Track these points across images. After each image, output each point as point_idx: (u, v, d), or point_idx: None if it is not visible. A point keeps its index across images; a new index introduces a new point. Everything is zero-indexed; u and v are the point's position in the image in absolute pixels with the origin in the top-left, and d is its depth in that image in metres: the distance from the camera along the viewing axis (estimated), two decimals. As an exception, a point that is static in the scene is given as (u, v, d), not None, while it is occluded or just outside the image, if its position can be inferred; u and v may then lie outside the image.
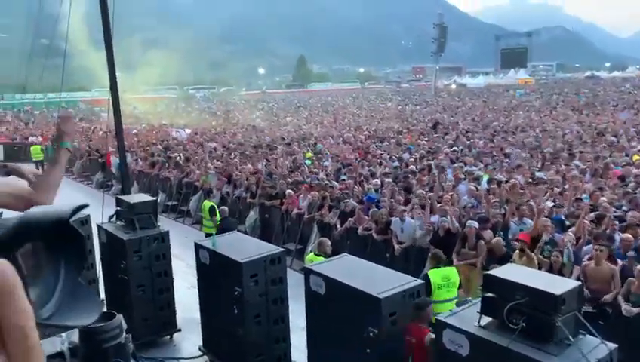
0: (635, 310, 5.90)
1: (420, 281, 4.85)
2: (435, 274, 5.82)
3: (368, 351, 4.48)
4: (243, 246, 6.01)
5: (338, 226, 9.51)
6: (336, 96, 64.28)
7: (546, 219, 7.85)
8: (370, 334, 4.44)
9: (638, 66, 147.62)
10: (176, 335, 7.18)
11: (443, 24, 60.66)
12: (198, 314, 6.51)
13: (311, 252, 7.85)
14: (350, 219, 9.37)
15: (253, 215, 11.56)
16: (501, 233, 7.83)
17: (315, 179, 12.01)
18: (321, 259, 6.14)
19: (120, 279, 6.64)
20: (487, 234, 7.87)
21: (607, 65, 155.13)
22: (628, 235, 6.96)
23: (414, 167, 13.18)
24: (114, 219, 7.14)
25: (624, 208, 8.60)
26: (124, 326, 3.06)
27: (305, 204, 10.55)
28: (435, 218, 8.56)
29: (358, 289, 4.62)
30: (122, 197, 7.53)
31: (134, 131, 26.38)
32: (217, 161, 15.75)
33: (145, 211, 6.86)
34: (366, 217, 9.28)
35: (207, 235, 9.28)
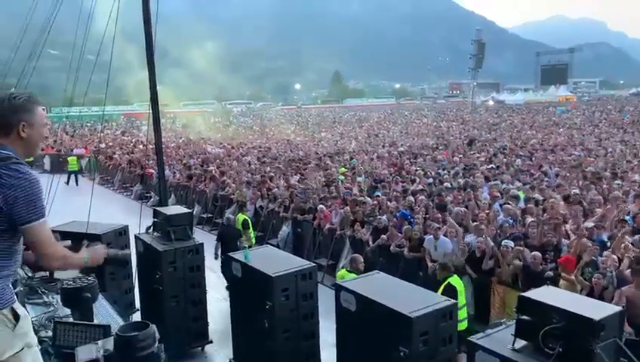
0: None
1: (453, 301, 4.76)
2: (454, 281, 6.30)
3: (398, 370, 4.40)
4: (275, 261, 6.04)
5: (370, 243, 9.45)
6: (371, 112, 64.27)
7: (587, 240, 7.60)
8: (402, 354, 4.38)
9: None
10: (207, 347, 7.25)
11: (481, 40, 60.19)
12: (229, 327, 6.56)
13: (343, 268, 7.83)
14: (383, 236, 9.29)
15: (285, 229, 11.63)
16: (551, 253, 7.59)
17: (349, 194, 12.00)
18: (353, 275, 6.12)
19: (155, 289, 6.78)
20: (526, 253, 7.65)
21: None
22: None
23: (449, 184, 13.02)
24: (151, 230, 7.31)
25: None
26: (157, 336, 3.12)
27: (337, 219, 10.55)
28: (470, 237, 8.40)
29: (390, 307, 4.56)
30: (159, 208, 7.71)
31: (172, 144, 27.06)
32: (252, 174, 15.97)
33: (181, 223, 6.99)
34: (399, 234, 9.19)
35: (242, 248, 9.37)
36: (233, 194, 13.85)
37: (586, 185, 12.24)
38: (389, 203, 10.97)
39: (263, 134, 35.86)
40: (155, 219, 7.31)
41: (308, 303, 5.75)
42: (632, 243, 7.38)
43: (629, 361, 3.40)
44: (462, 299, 6.26)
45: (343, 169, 16.59)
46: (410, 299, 4.67)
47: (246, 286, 6.04)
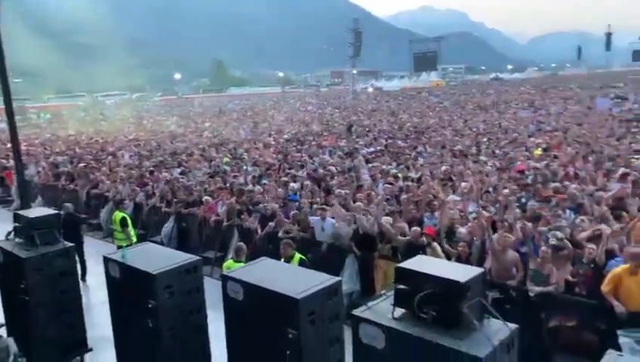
0: (538, 289, 6.35)
1: (337, 279, 4.88)
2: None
3: (288, 352, 4.43)
4: (156, 257, 5.74)
5: (259, 231, 9.41)
6: (257, 100, 63.88)
7: (455, 211, 8.28)
8: (290, 336, 4.40)
9: (535, 68, 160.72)
10: (87, 356, 6.73)
11: (358, 29, 62.31)
12: (111, 332, 6.14)
13: (229, 259, 7.69)
14: (270, 223, 9.29)
15: (169, 224, 11.15)
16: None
17: (235, 183, 11.81)
18: (240, 264, 6.03)
19: (21, 300, 6.11)
20: (405, 228, 8.12)
21: (509, 67, 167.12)
22: (526, 223, 7.48)
23: (334, 168, 13.40)
24: (12, 236, 6.56)
25: (523, 199, 9.22)
26: (15, 349, 2.79)
27: (223, 210, 10.34)
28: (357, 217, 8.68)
29: (276, 291, 4.56)
30: (20, 212, 6.94)
31: (37, 141, 24.57)
32: (131, 169, 15.05)
33: (46, 226, 6.36)
34: (286, 220, 9.25)
35: (121, 248, 8.82)
36: (108, 192, 12.94)
37: (454, 161, 13.30)
38: (275, 190, 11.00)
39: (141, 127, 33.87)
40: (17, 224, 6.57)
41: (194, 298, 5.56)
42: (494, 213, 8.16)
43: (491, 316, 3.72)
44: None
45: (228, 158, 16.29)
46: (295, 281, 4.70)
47: (126, 287, 5.68)
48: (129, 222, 9.56)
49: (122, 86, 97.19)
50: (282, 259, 6.73)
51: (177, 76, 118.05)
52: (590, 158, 12.45)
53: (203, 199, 10.89)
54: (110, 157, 17.95)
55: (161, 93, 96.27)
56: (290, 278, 4.92)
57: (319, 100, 60.34)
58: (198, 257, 5.98)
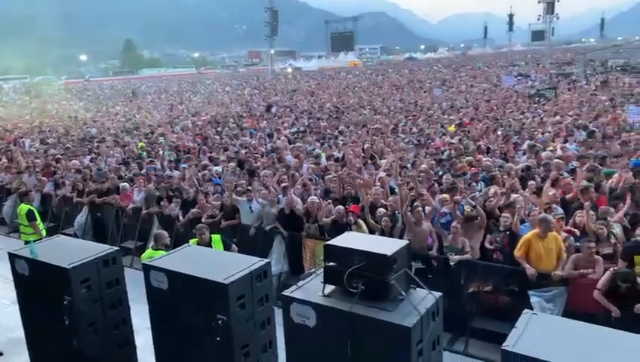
0: (457, 257, 6.69)
1: (266, 261, 4.83)
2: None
3: (218, 338, 4.34)
4: (69, 251, 5.36)
5: (180, 217, 9.09)
6: (171, 82, 61.37)
7: (378, 187, 8.49)
8: (220, 321, 4.31)
9: (446, 48, 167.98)
10: (-2, 361, 6.21)
11: (274, 8, 61.38)
12: (22, 334, 5.68)
13: (149, 248, 7.37)
14: (193, 209, 9.00)
15: (82, 215, 10.47)
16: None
17: (152, 169, 11.30)
18: (160, 253, 5.79)
19: None
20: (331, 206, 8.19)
21: (422, 47, 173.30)
22: (445, 196, 7.84)
23: (257, 150, 13.22)
24: None
25: (440, 173, 9.63)
26: None
27: (140, 197, 9.86)
28: (282, 198, 8.64)
29: (203, 278, 4.43)
30: None
31: None
32: (36, 158, 13.90)
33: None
34: (209, 204, 9.00)
35: (28, 243, 8.15)
36: (10, 184, 11.90)
37: (374, 139, 13.59)
38: (196, 174, 10.65)
39: (44, 112, 31.32)
40: None
41: (114, 290, 5.28)
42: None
43: (417, 286, 3.85)
44: None
45: (143, 144, 15.54)
46: (222, 267, 4.59)
47: (37, 284, 5.26)
48: (37, 214, 8.83)
49: (19, 69, 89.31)
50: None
51: (83, 57, 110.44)
52: (499, 132, 13.23)
53: (120, 186, 10.32)
54: (12, 145, 16.45)
55: (66, 77, 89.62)
56: (217, 264, 4.80)
57: (238, 81, 59.12)
58: (116, 248, 5.67)
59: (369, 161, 10.87)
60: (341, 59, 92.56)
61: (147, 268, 4.83)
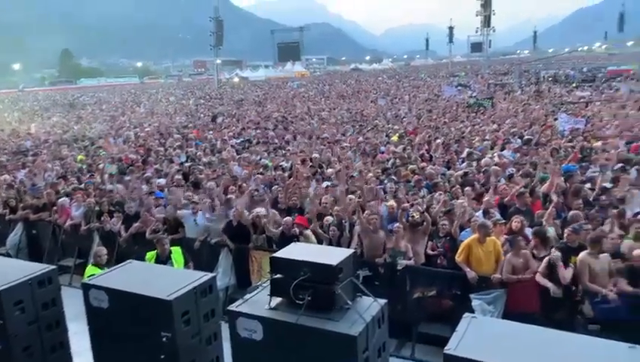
0: (403, 262, 6.83)
1: (211, 275, 4.75)
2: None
3: (163, 356, 4.22)
4: (1, 271, 5.06)
5: (122, 232, 8.79)
6: (113, 92, 59.43)
7: (327, 197, 8.56)
8: (164, 339, 4.19)
9: (390, 59, 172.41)
10: None
11: (219, 17, 60.92)
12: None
13: (90, 265, 7.08)
14: (136, 223, 8.72)
15: (16, 233, 9.91)
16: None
17: (91, 183, 10.87)
18: (102, 270, 5.57)
19: None
20: (278, 217, 8.18)
21: (367, 58, 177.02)
22: (392, 203, 8.01)
23: (204, 160, 13.02)
24: None
25: (385, 181, 9.84)
26: None
27: (80, 212, 9.46)
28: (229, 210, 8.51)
29: (146, 295, 4.30)
30: None
31: None
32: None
33: None
34: (153, 218, 8.75)
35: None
36: None
37: (321, 149, 13.71)
38: (142, 186, 10.34)
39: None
40: None
41: (50, 311, 5.02)
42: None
43: (363, 294, 3.90)
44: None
45: (82, 156, 14.94)
46: (166, 282, 4.48)
47: (-36, 309, 4.92)
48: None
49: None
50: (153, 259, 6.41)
51: (16, 66, 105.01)
52: (439, 141, 13.67)
53: (59, 202, 9.85)
54: None
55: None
56: (160, 280, 4.67)
57: (183, 91, 58.04)
58: (52, 266, 5.41)
59: (317, 171, 10.95)
60: (288, 69, 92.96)
61: (86, 287, 4.64)
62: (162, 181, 10.86)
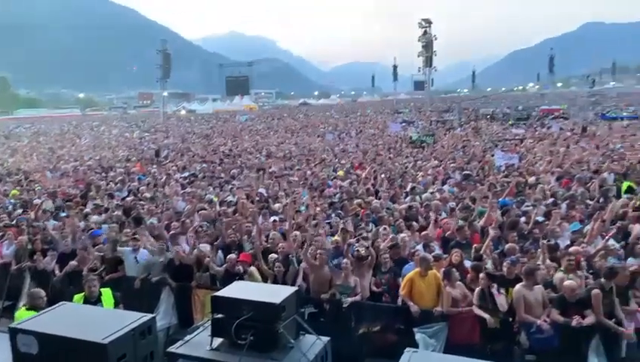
0: (349, 299, 6.86)
1: (150, 316, 4.58)
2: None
3: (96, 405, 3.99)
4: None
5: (57, 271, 8.34)
6: (53, 124, 57.17)
7: (276, 233, 8.54)
8: (98, 386, 3.97)
9: (338, 95, 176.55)
10: None
11: (167, 50, 60.60)
12: None
13: (22, 307, 6.66)
14: (72, 262, 8.31)
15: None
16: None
17: (24, 220, 10.32)
18: (34, 313, 5.25)
19: None
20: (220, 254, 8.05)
21: (316, 93, 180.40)
22: (337, 238, 8.08)
23: (146, 195, 12.68)
24: None
25: (332, 215, 9.94)
26: None
27: (10, 251, 8.93)
28: (171, 247, 8.30)
29: (79, 339, 4.08)
30: None
31: None
32: None
33: None
34: (90, 257, 8.38)
35: None
36: None
37: (268, 183, 13.71)
38: (79, 223, 9.90)
39: None
40: None
41: (-28, 360, 4.66)
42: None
43: (306, 332, 3.89)
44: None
45: (16, 191, 14.19)
46: (101, 325, 4.26)
47: None
48: None
49: None
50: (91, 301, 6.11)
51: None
52: (384, 176, 14.01)
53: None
54: None
55: None
56: (96, 322, 4.45)
57: (127, 123, 56.70)
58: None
59: (264, 206, 10.90)
60: (237, 102, 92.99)
61: (13, 332, 4.33)
62: (99, 218, 10.47)
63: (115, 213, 10.74)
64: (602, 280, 6.20)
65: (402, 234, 8.29)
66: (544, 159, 16.17)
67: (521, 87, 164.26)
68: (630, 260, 7.27)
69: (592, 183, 12.04)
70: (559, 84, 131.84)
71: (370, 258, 7.36)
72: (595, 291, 5.98)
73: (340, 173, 15.65)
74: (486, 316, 6.17)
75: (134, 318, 4.44)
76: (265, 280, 7.17)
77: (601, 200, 10.57)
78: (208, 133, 38.04)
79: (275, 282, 7.06)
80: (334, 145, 25.23)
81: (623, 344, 5.96)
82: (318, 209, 10.20)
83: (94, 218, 10.36)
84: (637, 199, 10.72)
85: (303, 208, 10.49)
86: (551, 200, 10.57)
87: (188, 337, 4.03)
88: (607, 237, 7.55)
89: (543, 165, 15.20)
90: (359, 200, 10.93)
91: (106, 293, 6.41)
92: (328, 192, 12.54)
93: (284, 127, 41.72)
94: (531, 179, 12.93)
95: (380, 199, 11.16)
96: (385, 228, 8.52)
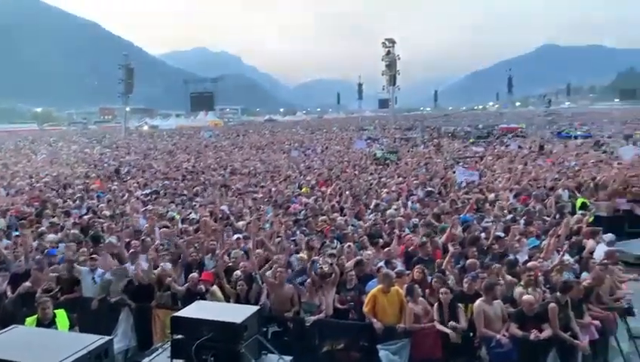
0: (312, 318, 6.82)
1: (107, 338, 4.43)
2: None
3: None
4: None
5: (9, 293, 7.97)
6: (6, 139, 55.09)
7: (238, 251, 8.43)
8: (48, 414, 3.80)
9: (304, 112, 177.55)
10: None
11: (129, 65, 59.70)
12: None
13: (-32, 332, 6.32)
14: (25, 283, 7.95)
15: None
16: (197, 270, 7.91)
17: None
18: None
19: None
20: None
21: (282, 110, 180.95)
22: (302, 255, 8.05)
23: (105, 213, 12.33)
24: None
25: (297, 233, 9.92)
26: None
27: (-42, 272, 8.48)
28: (130, 266, 8.09)
29: (26, 365, 3.91)
30: None
31: None
32: None
33: None
34: (44, 277, 8.04)
35: None
36: None
37: (233, 201, 13.57)
38: (32, 242, 9.51)
39: None
40: None
41: None
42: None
43: (268, 352, 3.85)
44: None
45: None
46: (55, 349, 4.11)
47: None
48: None
49: None
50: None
51: None
52: (348, 192, 14.10)
53: None
54: None
55: None
56: (48, 346, 4.27)
57: (87, 139, 55.22)
58: None
59: (227, 223, 10.77)
60: (201, 118, 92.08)
61: (-41, 359, 4.14)
62: (54, 236, 10.09)
63: (72, 231, 10.38)
64: (558, 294, 6.40)
65: (366, 251, 8.34)
66: (503, 176, 16.64)
67: (481, 106, 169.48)
68: (584, 275, 7.53)
69: (548, 200, 12.46)
70: (518, 104, 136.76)
71: (333, 275, 7.35)
72: (552, 305, 6.16)
73: (305, 189, 15.66)
74: (448, 331, 6.25)
75: (90, 341, 4.30)
76: (227, 299, 7.06)
77: (557, 216, 10.96)
78: (171, 150, 37.44)
79: (237, 301, 6.96)
80: (300, 161, 25.25)
81: (579, 356, 6.15)
82: (282, 226, 10.14)
83: (50, 236, 9.97)
84: (590, 215, 11.18)
85: (267, 225, 10.42)
86: (510, 216, 10.86)
87: (146, 360, 3.93)
88: (562, 253, 7.81)
89: (502, 182, 15.64)
90: (324, 217, 10.95)
91: (61, 315, 6.16)
92: (293, 209, 12.51)
93: (249, 144, 41.51)
94: (491, 196, 13.26)
95: (345, 216, 11.21)
96: (349, 246, 8.55)
